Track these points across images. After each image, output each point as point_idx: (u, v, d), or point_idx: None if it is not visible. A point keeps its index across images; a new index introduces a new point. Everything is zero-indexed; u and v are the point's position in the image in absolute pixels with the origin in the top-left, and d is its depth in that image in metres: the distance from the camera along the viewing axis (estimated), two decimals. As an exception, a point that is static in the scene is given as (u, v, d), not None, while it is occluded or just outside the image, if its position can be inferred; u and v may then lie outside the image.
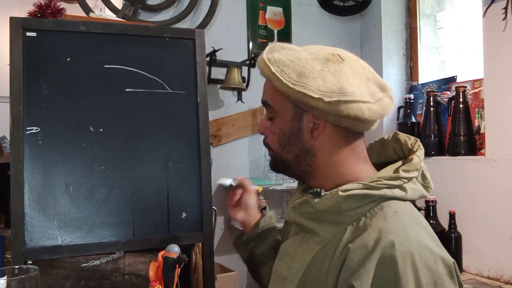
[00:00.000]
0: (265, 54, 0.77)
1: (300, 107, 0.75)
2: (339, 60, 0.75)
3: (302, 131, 0.76)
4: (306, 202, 0.74)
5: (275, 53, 0.77)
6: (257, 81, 2.09)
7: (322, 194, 0.73)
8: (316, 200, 0.72)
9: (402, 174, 0.72)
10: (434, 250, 0.64)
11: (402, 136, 0.81)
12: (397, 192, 0.71)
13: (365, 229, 0.67)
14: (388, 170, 0.75)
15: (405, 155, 0.79)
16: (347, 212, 0.70)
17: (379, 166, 0.80)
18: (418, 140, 0.80)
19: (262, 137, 0.87)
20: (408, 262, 0.61)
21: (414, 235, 0.65)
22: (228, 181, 1.13)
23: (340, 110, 0.70)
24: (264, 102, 0.80)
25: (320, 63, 0.74)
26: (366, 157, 0.80)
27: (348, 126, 0.75)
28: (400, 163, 0.77)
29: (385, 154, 0.83)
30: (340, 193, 0.69)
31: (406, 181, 0.71)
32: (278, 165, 0.83)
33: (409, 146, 0.79)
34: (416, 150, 0.77)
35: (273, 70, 0.73)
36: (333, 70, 0.73)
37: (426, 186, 0.75)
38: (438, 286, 0.61)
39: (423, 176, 0.75)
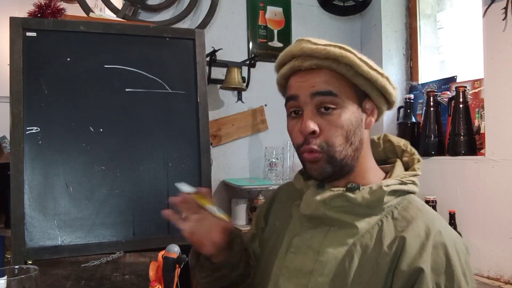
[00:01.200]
0: (331, 45, 0.74)
1: (363, 94, 0.77)
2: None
3: (362, 121, 0.77)
4: (341, 196, 0.75)
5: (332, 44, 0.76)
6: (257, 81, 2.09)
7: (361, 189, 0.75)
8: (355, 194, 0.74)
9: (418, 172, 0.79)
10: (457, 234, 0.74)
11: (394, 138, 0.86)
12: (414, 187, 0.78)
13: (407, 219, 0.74)
14: (401, 168, 0.82)
15: (397, 155, 0.85)
16: (382, 205, 0.75)
17: None
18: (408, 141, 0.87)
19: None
20: (453, 246, 0.70)
21: (445, 223, 0.75)
22: (186, 188, 0.83)
23: (395, 95, 0.78)
24: (325, 92, 0.74)
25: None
26: None
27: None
28: (399, 161, 0.83)
29: (375, 153, 0.86)
30: (385, 188, 0.74)
31: (417, 177, 0.80)
32: (335, 165, 0.76)
33: (402, 147, 0.84)
34: (411, 151, 0.83)
35: (359, 56, 0.73)
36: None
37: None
38: (468, 264, 0.72)
39: None
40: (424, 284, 0.67)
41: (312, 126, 0.74)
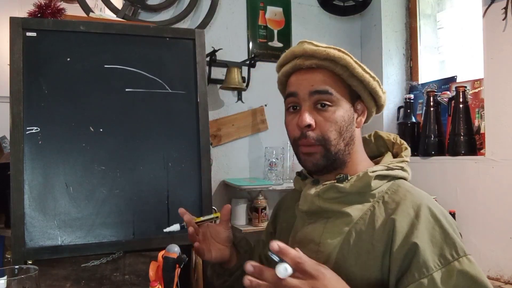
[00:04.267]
0: (330, 47, 0.81)
1: (355, 95, 0.83)
2: None
3: (354, 119, 0.84)
4: (332, 187, 0.80)
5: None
6: (257, 81, 2.09)
7: (349, 178, 0.80)
8: (343, 184, 0.80)
9: (405, 158, 0.85)
10: (444, 209, 0.80)
11: (384, 134, 0.93)
12: (402, 173, 0.83)
13: (396, 202, 0.77)
14: (389, 157, 0.87)
15: (388, 148, 0.91)
16: (371, 191, 0.79)
17: None
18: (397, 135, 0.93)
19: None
20: (443, 217, 0.75)
21: (434, 200, 0.79)
22: (176, 227, 1.00)
23: (384, 99, 0.86)
24: (323, 91, 0.80)
25: None
26: None
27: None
28: (389, 153, 0.89)
29: (368, 150, 0.92)
30: (370, 174, 0.79)
31: (407, 163, 0.85)
32: (329, 158, 0.82)
33: (392, 140, 0.91)
34: (400, 142, 0.89)
35: (354, 59, 0.80)
36: None
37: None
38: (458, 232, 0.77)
39: None
40: (421, 257, 0.70)
41: (309, 120, 0.80)
